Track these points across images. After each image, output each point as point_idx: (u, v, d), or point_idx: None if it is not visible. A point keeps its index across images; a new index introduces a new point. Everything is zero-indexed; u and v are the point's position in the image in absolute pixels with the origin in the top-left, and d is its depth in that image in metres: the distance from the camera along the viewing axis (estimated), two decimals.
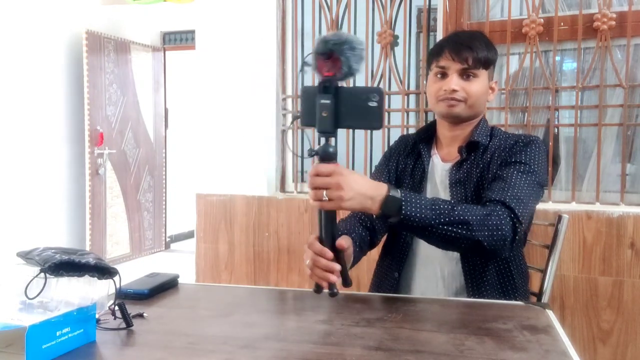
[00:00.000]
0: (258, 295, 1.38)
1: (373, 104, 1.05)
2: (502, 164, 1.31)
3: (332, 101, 1.06)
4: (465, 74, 1.33)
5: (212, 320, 1.15)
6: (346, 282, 1.17)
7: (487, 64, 1.35)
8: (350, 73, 1.05)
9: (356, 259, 1.39)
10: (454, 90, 1.32)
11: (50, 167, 4.50)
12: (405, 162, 1.48)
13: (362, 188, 1.07)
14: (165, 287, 1.36)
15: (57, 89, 4.56)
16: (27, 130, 4.29)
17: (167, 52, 5.67)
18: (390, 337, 1.02)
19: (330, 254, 1.12)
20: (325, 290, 1.17)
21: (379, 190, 1.10)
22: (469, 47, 1.32)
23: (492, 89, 1.40)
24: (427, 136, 1.47)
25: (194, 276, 3.14)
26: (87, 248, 4.50)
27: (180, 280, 1.43)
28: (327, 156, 1.09)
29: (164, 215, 5.73)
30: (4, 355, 0.91)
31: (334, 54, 1.03)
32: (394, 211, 1.11)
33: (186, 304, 1.28)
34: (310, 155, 1.10)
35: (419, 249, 1.42)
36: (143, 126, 5.24)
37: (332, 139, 1.10)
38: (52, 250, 1.02)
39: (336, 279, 1.14)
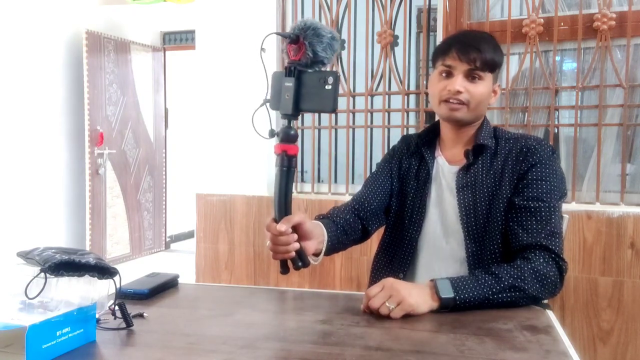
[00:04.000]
0: (258, 295, 1.38)
1: (328, 86, 1.09)
2: (524, 187, 1.28)
3: (294, 84, 1.10)
4: (470, 75, 1.31)
5: (212, 320, 1.15)
6: (303, 261, 1.18)
7: (494, 67, 1.33)
8: (319, 59, 1.09)
9: (342, 243, 1.39)
10: (458, 92, 1.30)
11: (51, 167, 4.50)
12: (409, 162, 1.46)
13: (412, 287, 1.14)
14: (166, 287, 1.36)
15: (57, 88, 4.56)
16: (27, 130, 4.29)
17: (167, 52, 5.66)
18: (390, 337, 1.02)
19: (287, 230, 1.13)
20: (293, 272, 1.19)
21: (426, 287, 1.15)
22: (477, 49, 1.29)
23: (494, 92, 1.38)
24: (430, 138, 1.46)
25: (194, 276, 3.14)
26: (87, 248, 4.49)
27: (180, 280, 1.43)
28: (287, 138, 1.13)
29: (164, 215, 5.73)
30: (4, 355, 0.91)
31: (299, 39, 1.07)
32: (450, 301, 1.14)
33: (186, 304, 1.28)
34: (271, 136, 1.14)
35: (423, 249, 1.41)
36: (143, 126, 5.24)
37: (294, 122, 1.14)
38: (52, 250, 1.02)
39: (294, 254, 1.16)
